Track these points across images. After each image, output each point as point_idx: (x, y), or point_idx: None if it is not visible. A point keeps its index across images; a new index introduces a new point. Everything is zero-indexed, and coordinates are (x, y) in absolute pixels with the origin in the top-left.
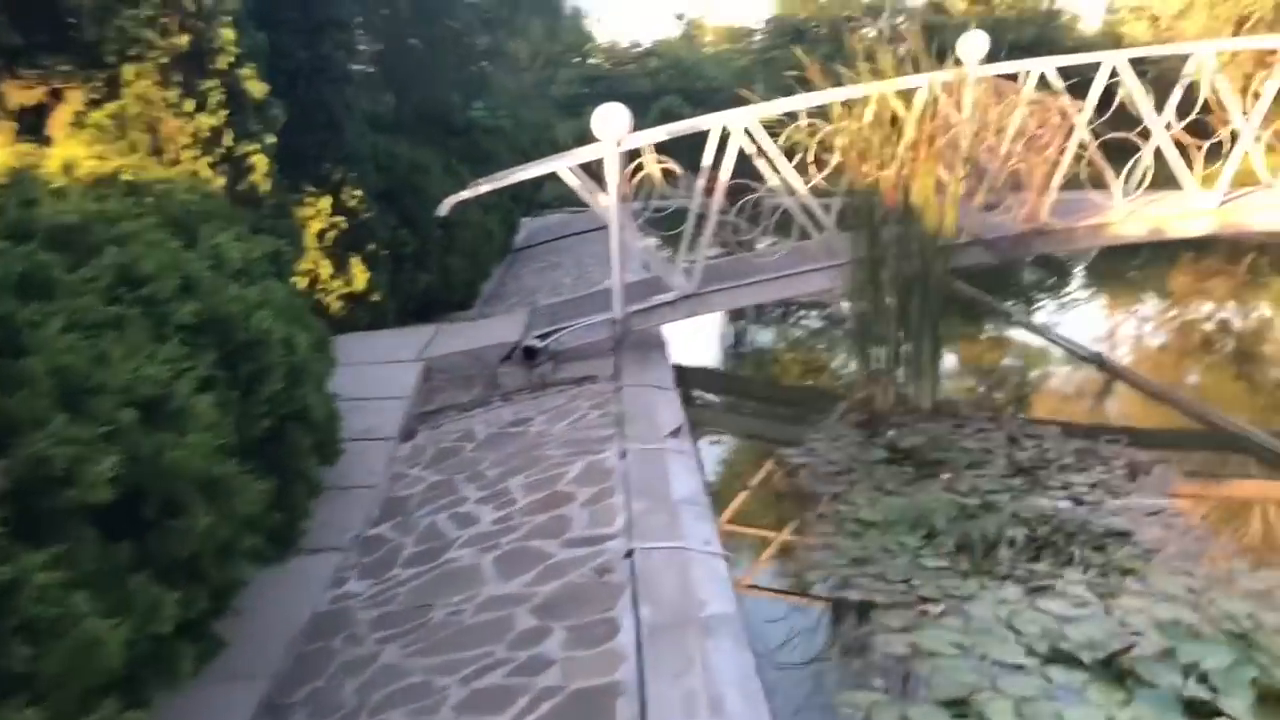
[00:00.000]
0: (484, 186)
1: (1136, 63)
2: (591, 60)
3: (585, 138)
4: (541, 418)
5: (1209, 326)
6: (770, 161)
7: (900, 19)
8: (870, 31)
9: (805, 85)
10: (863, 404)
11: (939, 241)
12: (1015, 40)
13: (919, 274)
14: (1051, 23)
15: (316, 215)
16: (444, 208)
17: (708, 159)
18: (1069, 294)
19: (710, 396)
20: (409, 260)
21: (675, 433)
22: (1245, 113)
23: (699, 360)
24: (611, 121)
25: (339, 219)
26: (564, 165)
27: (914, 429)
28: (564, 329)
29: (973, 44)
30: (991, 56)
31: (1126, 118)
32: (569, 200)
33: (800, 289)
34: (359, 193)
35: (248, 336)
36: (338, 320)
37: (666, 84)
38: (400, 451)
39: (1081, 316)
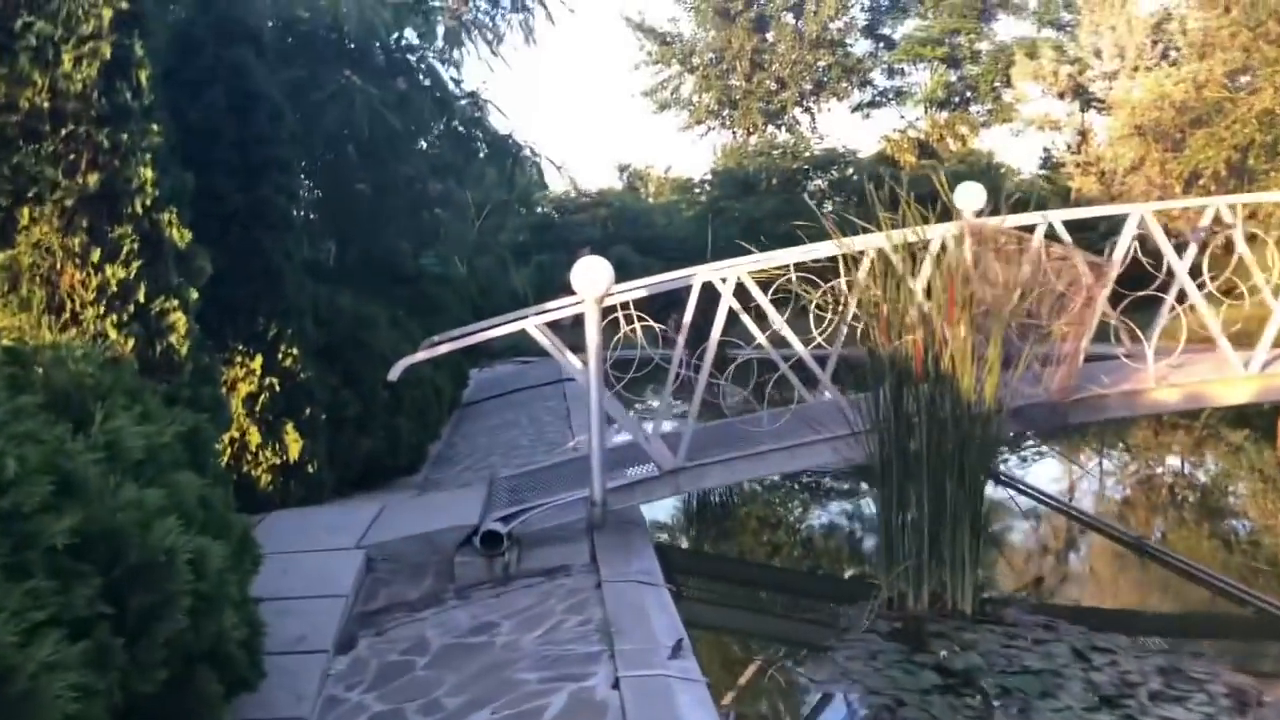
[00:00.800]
0: (443, 346)
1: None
2: (540, 209)
3: (543, 289)
4: (508, 624)
5: (1173, 480)
6: (757, 318)
7: (849, 171)
8: (820, 184)
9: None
10: (889, 604)
11: (976, 411)
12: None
13: (956, 448)
14: (993, 175)
15: (247, 377)
16: (395, 371)
17: (689, 315)
18: (1029, 445)
19: (697, 586)
20: (350, 424)
21: (677, 649)
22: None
23: (662, 522)
24: (593, 276)
25: (272, 380)
26: (534, 323)
27: (959, 639)
28: (531, 509)
29: (969, 195)
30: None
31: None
32: (520, 349)
33: (806, 462)
34: (295, 350)
35: (143, 557)
36: (267, 496)
37: (615, 233)
38: (337, 666)
39: (1044, 470)
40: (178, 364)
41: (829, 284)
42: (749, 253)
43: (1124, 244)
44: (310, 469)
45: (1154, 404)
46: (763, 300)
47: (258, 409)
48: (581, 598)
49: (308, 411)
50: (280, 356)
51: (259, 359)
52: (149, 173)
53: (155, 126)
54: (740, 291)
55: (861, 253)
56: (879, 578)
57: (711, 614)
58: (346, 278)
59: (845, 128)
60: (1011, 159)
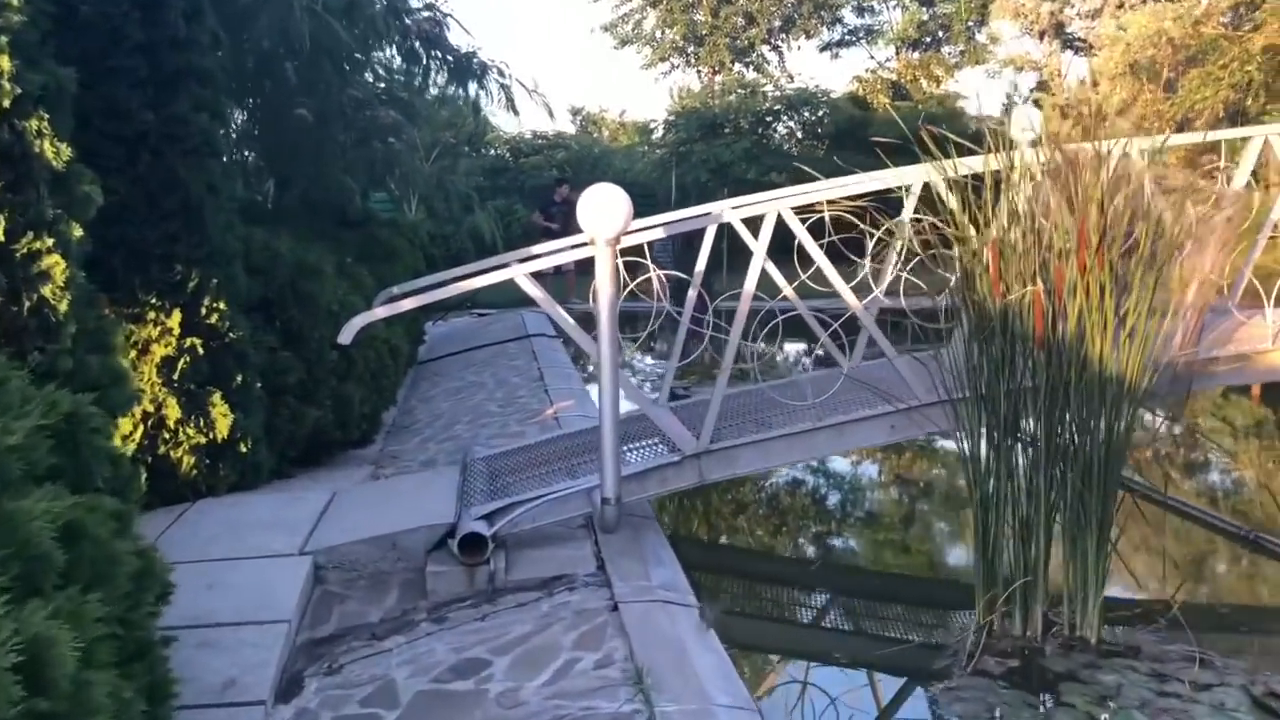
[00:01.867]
0: (406, 302)
1: None
2: (494, 151)
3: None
4: (501, 662)
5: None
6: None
7: (821, 113)
8: (792, 126)
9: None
10: (988, 629)
11: (1115, 387)
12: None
13: (1086, 433)
14: (963, 119)
15: (162, 338)
16: (348, 333)
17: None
18: None
19: (726, 594)
20: (292, 392)
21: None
22: None
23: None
24: (607, 210)
25: (194, 341)
26: (522, 271)
27: (1094, 680)
28: (521, 505)
29: (1024, 121)
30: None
31: None
32: (479, 301)
33: (860, 440)
34: (222, 304)
35: None
36: (190, 482)
37: (573, 178)
38: None
39: None
40: (55, 326)
41: (893, 221)
42: (717, 198)
43: (1244, 172)
44: (243, 448)
45: (1272, 368)
46: (808, 243)
47: (176, 377)
48: (594, 623)
49: (239, 378)
50: (204, 312)
51: (176, 315)
52: (3, 62)
53: (14, 2)
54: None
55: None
56: (974, 594)
57: (756, 637)
58: (286, 220)
59: (814, 69)
60: (987, 103)
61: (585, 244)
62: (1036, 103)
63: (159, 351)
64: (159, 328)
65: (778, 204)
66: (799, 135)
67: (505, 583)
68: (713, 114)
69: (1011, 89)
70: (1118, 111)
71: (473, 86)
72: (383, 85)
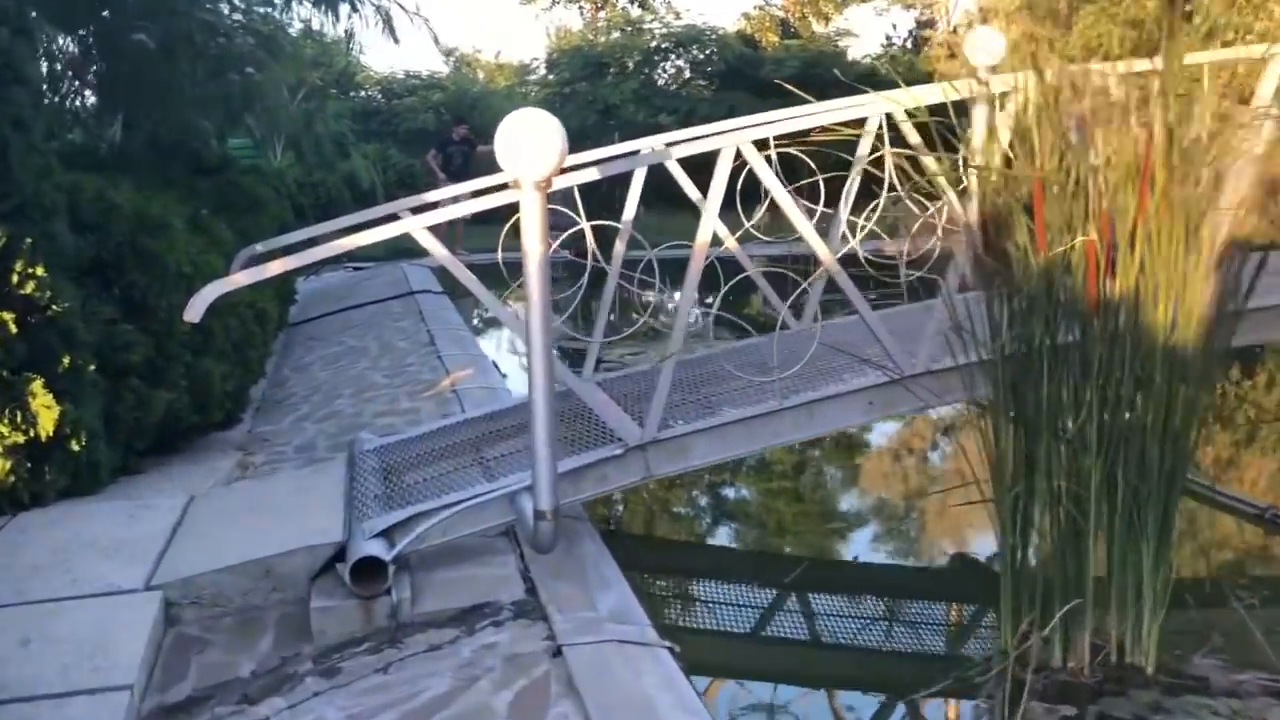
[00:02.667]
0: (274, 265)
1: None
2: (364, 92)
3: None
4: None
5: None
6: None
7: (710, 51)
8: (680, 65)
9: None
10: (1021, 660)
11: (1187, 354)
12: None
13: (1145, 419)
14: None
15: None
16: (196, 307)
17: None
18: None
19: (684, 613)
20: (137, 373)
21: None
22: None
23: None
24: (535, 146)
25: (2, 317)
26: (419, 224)
27: None
28: (427, 517)
29: (984, 44)
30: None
31: None
32: (354, 254)
33: (831, 423)
34: (40, 270)
35: None
36: (7, 492)
37: (451, 121)
38: None
39: None
40: None
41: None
42: (605, 141)
43: (1268, 92)
44: (74, 445)
45: None
46: (773, 183)
47: None
48: (533, 676)
49: (66, 360)
50: (15, 280)
51: None
52: None
53: None
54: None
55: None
56: (999, 618)
57: (731, 668)
58: (131, 169)
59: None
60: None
61: (499, 188)
62: (921, 40)
63: None
64: None
65: (735, 137)
66: (687, 75)
67: (412, 617)
68: (597, 53)
69: (891, 29)
70: (1010, 49)
71: (344, 9)
72: (239, 16)
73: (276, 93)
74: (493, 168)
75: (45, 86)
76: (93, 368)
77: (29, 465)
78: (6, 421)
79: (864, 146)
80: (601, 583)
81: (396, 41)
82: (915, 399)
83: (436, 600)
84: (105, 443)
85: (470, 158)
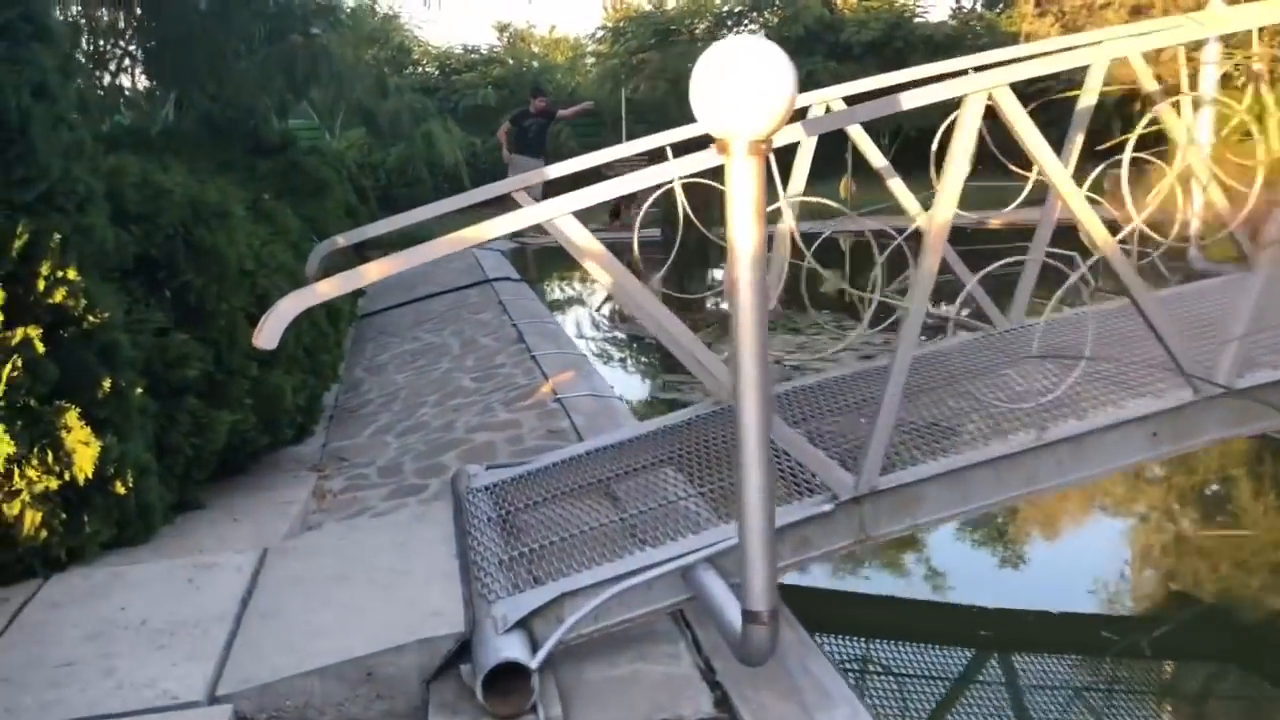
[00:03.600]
0: (374, 269)
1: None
2: (421, 68)
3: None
4: None
5: None
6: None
7: (789, 11)
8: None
9: None
10: None
11: None
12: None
13: None
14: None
15: None
16: (270, 332)
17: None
18: None
19: None
20: (194, 392)
21: None
22: None
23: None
24: (755, 92)
25: (27, 331)
26: (561, 211)
27: None
28: (578, 597)
29: None
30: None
31: None
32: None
33: (1103, 465)
34: (72, 273)
35: None
36: (39, 549)
37: (512, 97)
38: None
39: None
40: None
41: None
42: (674, 114)
43: None
44: (120, 486)
45: None
46: (1036, 138)
47: (1, 390)
48: None
49: (108, 383)
50: (41, 286)
51: None
52: None
53: None
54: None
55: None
56: None
57: None
58: (183, 150)
59: None
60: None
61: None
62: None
63: None
64: None
65: (980, 81)
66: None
67: None
68: (665, 20)
69: None
70: (1100, 4)
71: None
72: None
73: (344, 54)
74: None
75: (89, 62)
76: (140, 390)
77: (64, 515)
78: (36, 463)
79: (1089, 98)
80: (818, 693)
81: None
82: (1216, 427)
83: (597, 715)
84: (156, 480)
85: (547, 131)
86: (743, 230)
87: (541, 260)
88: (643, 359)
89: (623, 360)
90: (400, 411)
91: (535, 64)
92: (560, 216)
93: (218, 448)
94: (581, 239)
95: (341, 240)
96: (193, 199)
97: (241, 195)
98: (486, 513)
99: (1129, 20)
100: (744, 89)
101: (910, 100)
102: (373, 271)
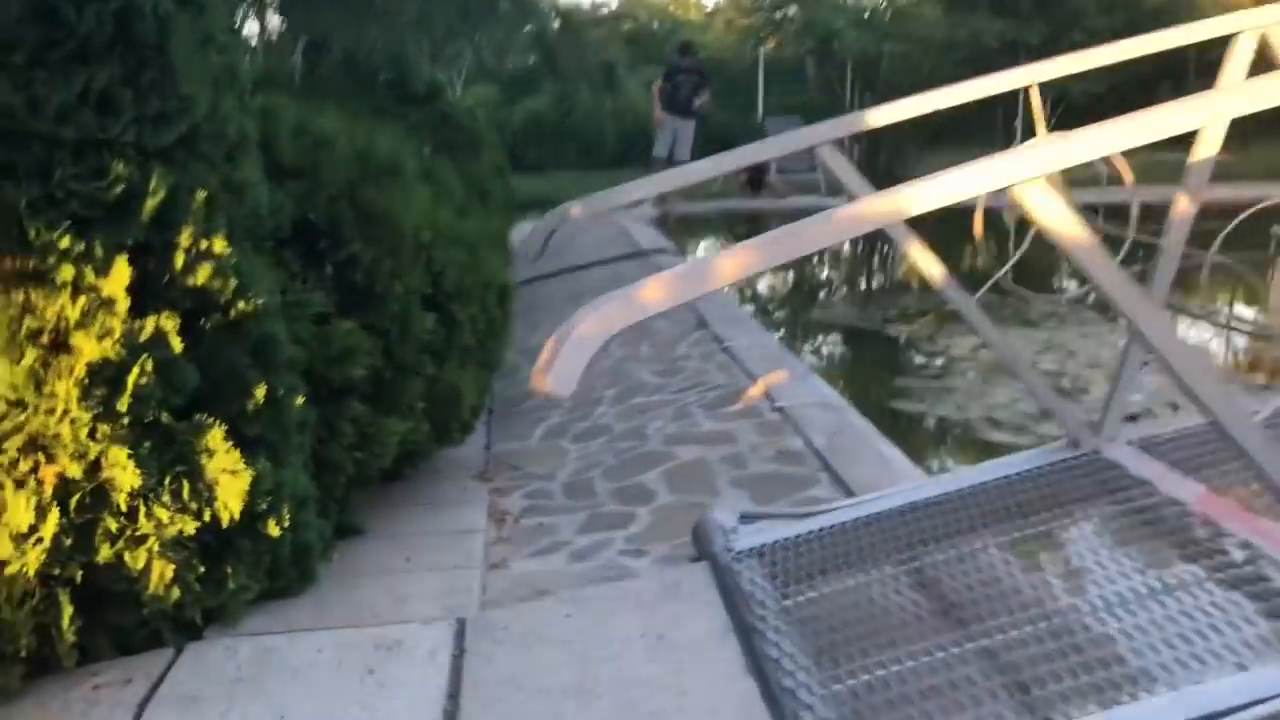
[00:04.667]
0: (776, 247)
1: None
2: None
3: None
4: None
5: None
6: None
7: None
8: None
9: None
10: None
11: None
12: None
13: None
14: None
15: (87, 321)
16: (566, 375)
17: None
18: None
19: None
20: (360, 394)
21: None
22: None
23: None
24: None
25: (161, 322)
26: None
27: None
28: None
29: None
30: None
31: None
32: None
33: None
34: (221, 245)
35: None
36: (168, 612)
37: (646, 56)
38: None
39: None
40: None
41: None
42: (813, 76)
43: None
44: (274, 527)
45: None
46: None
47: (126, 402)
48: None
49: (262, 389)
50: (181, 259)
51: (120, 269)
52: None
53: None
54: None
55: None
56: None
57: None
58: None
59: None
60: None
61: None
62: None
63: (84, 352)
64: (85, 297)
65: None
66: None
67: None
68: None
69: None
70: None
71: None
72: None
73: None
74: None
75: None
76: (300, 399)
77: (202, 568)
78: (168, 499)
79: None
80: None
81: None
82: None
83: None
84: (316, 508)
85: (701, 88)
86: None
87: (682, 229)
88: (840, 353)
89: (816, 352)
90: (572, 409)
91: (670, 22)
92: (1028, 183)
93: (386, 464)
94: (1057, 215)
95: (576, 209)
96: (361, 153)
97: (409, 148)
98: (764, 588)
99: None
100: None
101: None
102: (728, 267)
